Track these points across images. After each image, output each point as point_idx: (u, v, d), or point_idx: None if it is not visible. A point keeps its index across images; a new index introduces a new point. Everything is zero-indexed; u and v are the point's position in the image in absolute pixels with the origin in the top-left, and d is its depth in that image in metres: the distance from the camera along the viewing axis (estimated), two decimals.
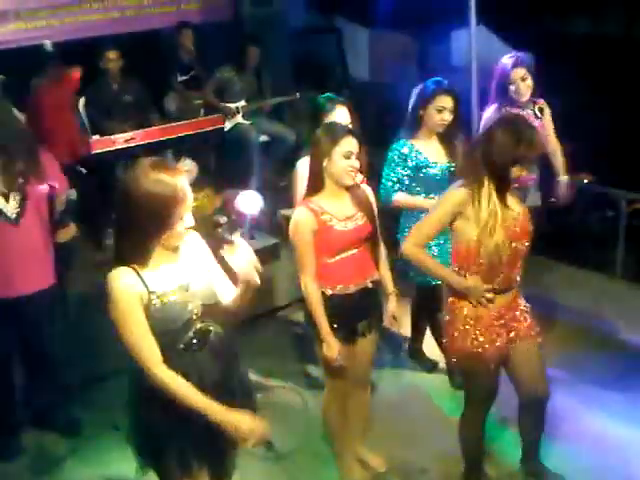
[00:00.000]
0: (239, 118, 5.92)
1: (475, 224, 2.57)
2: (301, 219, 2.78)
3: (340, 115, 3.19)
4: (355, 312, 2.86)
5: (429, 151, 3.41)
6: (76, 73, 5.11)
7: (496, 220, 2.55)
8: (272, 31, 6.68)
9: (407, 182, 3.42)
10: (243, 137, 5.85)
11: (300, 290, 3.43)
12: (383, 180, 3.44)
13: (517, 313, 2.76)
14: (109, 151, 4.93)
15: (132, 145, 5.01)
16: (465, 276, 2.65)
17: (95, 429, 3.49)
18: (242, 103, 5.90)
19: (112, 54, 5.33)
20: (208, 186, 5.27)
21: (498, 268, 2.61)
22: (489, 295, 2.63)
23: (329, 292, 2.82)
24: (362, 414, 3.16)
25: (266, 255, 4.52)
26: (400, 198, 3.44)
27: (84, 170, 5.19)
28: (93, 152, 4.94)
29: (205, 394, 2.18)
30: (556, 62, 3.97)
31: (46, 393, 3.44)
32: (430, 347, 3.95)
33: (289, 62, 7.08)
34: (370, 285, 2.88)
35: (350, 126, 3.06)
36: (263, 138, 5.99)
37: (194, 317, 2.20)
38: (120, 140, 5.01)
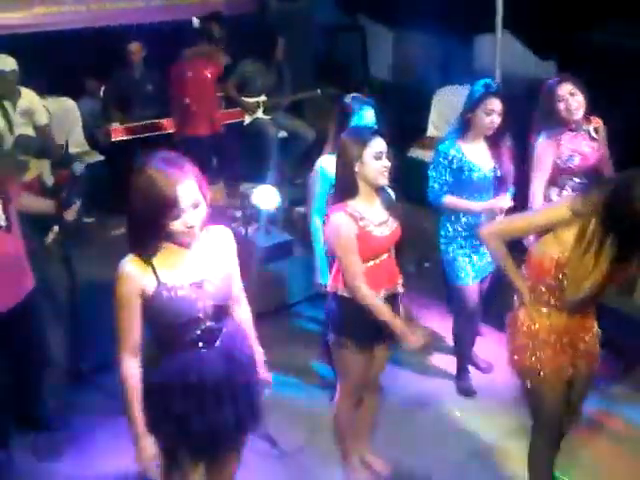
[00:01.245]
0: (259, 113, 5.91)
1: (564, 246, 2.38)
2: (343, 224, 2.70)
3: (367, 117, 3.18)
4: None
5: (475, 154, 3.39)
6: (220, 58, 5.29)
7: (600, 271, 2.35)
8: (296, 26, 6.67)
9: (451, 183, 3.40)
10: (262, 132, 5.85)
11: (312, 287, 3.45)
12: (430, 182, 3.44)
13: (586, 336, 2.59)
14: (129, 139, 4.95)
15: (152, 134, 5.03)
16: (537, 293, 2.50)
17: (105, 413, 3.47)
18: (263, 98, 5.89)
19: (134, 46, 5.35)
20: (226, 179, 5.29)
21: (566, 297, 2.45)
22: (544, 310, 2.50)
23: None
24: (371, 418, 3.15)
25: (280, 251, 4.53)
26: (450, 200, 3.42)
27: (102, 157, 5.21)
28: (113, 139, 4.96)
29: (203, 393, 2.20)
30: (587, 73, 3.83)
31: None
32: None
33: (312, 58, 7.06)
34: (400, 290, 2.85)
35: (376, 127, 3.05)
36: (281, 134, 5.99)
37: (201, 315, 2.18)
38: (140, 129, 5.03)
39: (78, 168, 3.62)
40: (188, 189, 2.07)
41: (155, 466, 2.22)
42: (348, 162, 2.72)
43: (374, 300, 2.73)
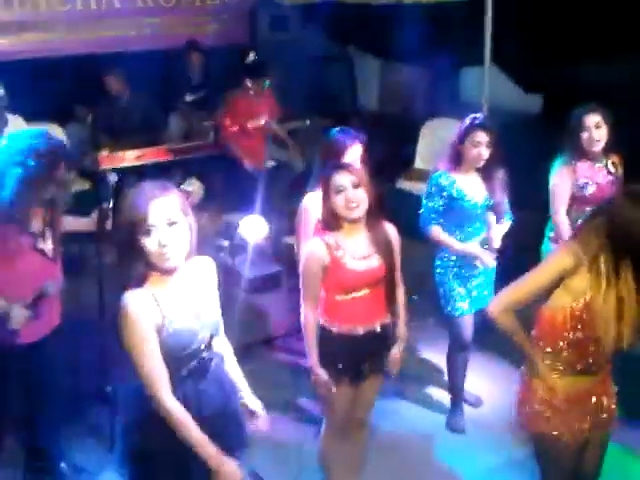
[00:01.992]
0: None
1: (577, 294, 2.28)
2: (314, 251, 2.74)
3: (354, 152, 3.18)
4: (361, 354, 2.80)
5: (467, 185, 3.41)
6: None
7: (613, 297, 2.27)
8: (287, 57, 6.72)
9: (442, 213, 3.41)
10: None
11: (299, 320, 3.42)
12: (422, 210, 3.46)
13: (603, 398, 2.48)
14: (118, 168, 4.93)
15: (139, 164, 5.01)
16: (545, 347, 2.40)
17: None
18: None
19: (110, 79, 5.35)
20: (213, 208, 5.27)
21: (590, 348, 2.34)
22: (561, 375, 2.39)
23: (336, 330, 2.77)
24: (359, 452, 3.11)
25: (268, 283, 4.50)
26: (435, 232, 3.43)
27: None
28: (101, 167, 4.94)
29: (202, 422, 2.14)
30: (573, 107, 3.86)
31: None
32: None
33: (300, 88, 7.11)
34: (379, 329, 2.81)
35: (355, 162, 3.07)
36: (270, 163, 5.99)
37: (202, 347, 2.17)
38: (130, 157, 5.01)
39: (112, 178, 3.57)
40: (163, 205, 2.05)
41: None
42: (324, 197, 2.75)
43: (308, 331, 2.76)
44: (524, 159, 4.27)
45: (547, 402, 2.41)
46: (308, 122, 6.10)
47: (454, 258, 3.47)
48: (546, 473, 2.55)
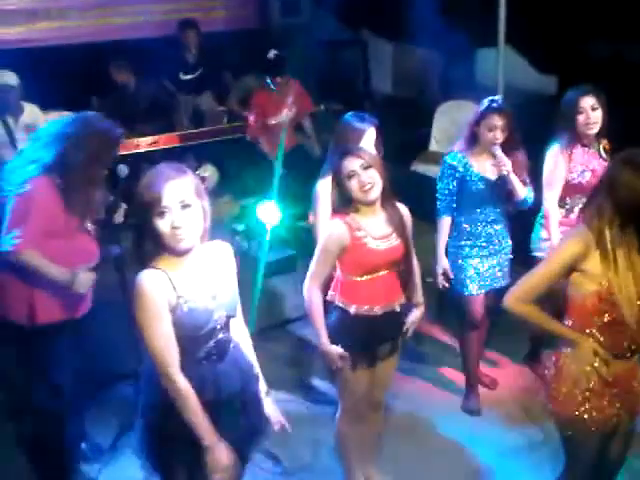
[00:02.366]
0: None
1: (596, 277, 2.27)
2: (335, 232, 2.73)
3: (368, 137, 3.16)
4: (378, 335, 2.80)
5: (481, 166, 3.41)
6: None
7: (628, 269, 2.25)
8: (299, 41, 6.69)
9: (456, 193, 3.43)
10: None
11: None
12: (438, 195, 3.48)
13: (635, 384, 2.45)
14: (132, 154, 4.94)
15: (153, 149, 5.03)
16: (585, 334, 2.36)
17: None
18: None
19: (114, 69, 5.35)
20: (228, 193, 5.29)
21: (623, 329, 2.31)
22: (607, 358, 2.34)
23: (353, 311, 2.77)
24: (375, 435, 3.12)
25: (283, 266, 4.51)
26: (443, 224, 3.47)
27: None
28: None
29: (220, 404, 2.17)
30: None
31: None
32: None
33: (314, 73, 7.08)
34: (397, 309, 2.82)
35: (369, 147, 3.06)
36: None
37: (218, 327, 2.19)
38: (143, 144, 5.03)
39: (123, 170, 3.56)
40: (177, 187, 2.06)
41: (230, 475, 2.18)
42: (338, 184, 2.75)
43: (314, 307, 2.75)
44: (539, 140, 4.24)
45: (581, 385, 2.38)
46: (322, 107, 6.07)
47: (466, 238, 3.48)
48: (572, 457, 2.52)
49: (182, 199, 2.06)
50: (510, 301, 2.40)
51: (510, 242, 3.57)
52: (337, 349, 2.75)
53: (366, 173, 2.68)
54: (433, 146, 6.06)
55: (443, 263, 3.50)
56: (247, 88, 5.87)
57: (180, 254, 2.12)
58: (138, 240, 2.12)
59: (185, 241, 2.09)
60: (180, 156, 5.34)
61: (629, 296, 2.27)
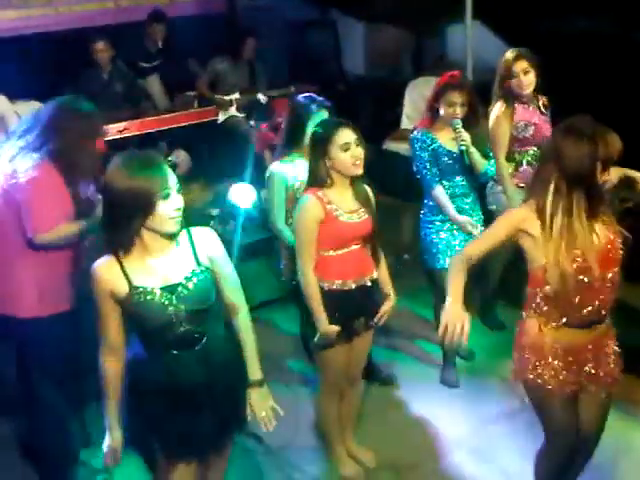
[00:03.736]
0: (233, 110, 5.89)
1: (543, 249, 2.31)
2: (308, 207, 2.74)
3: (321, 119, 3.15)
4: (352, 309, 2.83)
5: (444, 140, 3.45)
6: None
7: (565, 245, 2.27)
8: (267, 23, 6.66)
9: (434, 163, 3.46)
10: (236, 129, 5.83)
11: (288, 286, 3.45)
12: (420, 170, 3.47)
13: (599, 354, 2.46)
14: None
15: (125, 136, 4.98)
16: (537, 304, 2.40)
17: None
18: (236, 95, 5.88)
19: (101, 45, 5.31)
20: (201, 178, 5.27)
21: (567, 300, 2.34)
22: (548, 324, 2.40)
23: (326, 287, 2.79)
24: (353, 410, 3.16)
25: (257, 249, 4.52)
26: (438, 192, 3.47)
27: None
28: None
29: (177, 395, 2.20)
30: (551, 61, 3.89)
31: None
32: None
33: (284, 55, 7.05)
34: (369, 283, 2.86)
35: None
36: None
37: (174, 320, 2.15)
38: (114, 130, 4.98)
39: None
40: (169, 171, 2.10)
41: (118, 457, 2.28)
42: (317, 157, 2.75)
43: (312, 290, 2.77)
44: None
45: (536, 349, 2.44)
46: (293, 89, 6.05)
47: (436, 212, 3.51)
48: (543, 424, 2.57)
49: (176, 182, 2.10)
50: (453, 260, 2.50)
51: (480, 214, 3.62)
52: (335, 327, 2.78)
53: (357, 149, 2.72)
54: (405, 123, 6.06)
55: (464, 218, 3.47)
56: (216, 71, 5.84)
57: (167, 238, 2.13)
58: (126, 230, 2.07)
59: (178, 225, 2.11)
60: (152, 142, 5.32)
61: (563, 274, 2.29)
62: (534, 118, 3.73)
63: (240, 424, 2.39)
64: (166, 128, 5.26)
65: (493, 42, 6.39)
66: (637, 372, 3.48)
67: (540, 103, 3.76)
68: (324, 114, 3.20)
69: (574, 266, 2.30)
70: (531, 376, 2.45)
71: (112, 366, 2.21)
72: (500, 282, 4.15)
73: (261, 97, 5.92)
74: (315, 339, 2.83)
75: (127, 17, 6.16)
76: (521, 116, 3.71)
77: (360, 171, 2.75)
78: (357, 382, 3.10)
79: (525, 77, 3.66)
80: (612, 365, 2.50)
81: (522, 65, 3.65)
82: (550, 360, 2.42)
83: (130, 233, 2.08)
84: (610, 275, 2.36)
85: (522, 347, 2.48)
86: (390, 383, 3.70)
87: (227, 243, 4.36)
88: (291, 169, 3.20)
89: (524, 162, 3.74)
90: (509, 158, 3.71)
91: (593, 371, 2.46)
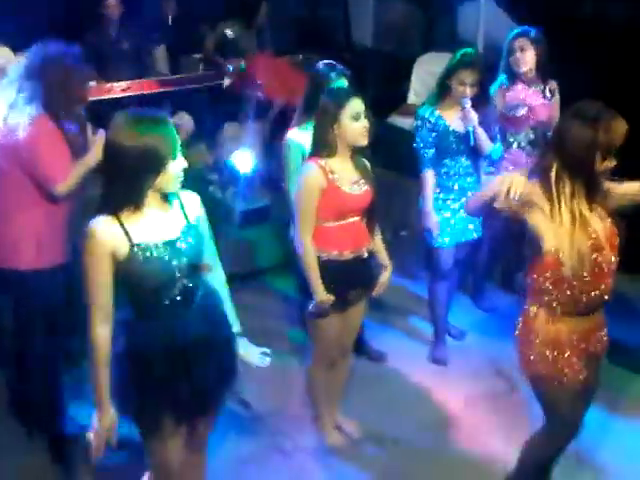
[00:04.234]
0: None
1: (554, 231, 2.27)
2: (311, 175, 2.74)
3: (341, 86, 3.15)
4: (348, 280, 2.84)
5: (451, 119, 3.42)
6: None
7: (578, 225, 2.25)
8: None
9: (433, 146, 3.44)
10: (241, 94, 5.76)
11: (286, 253, 3.45)
12: (418, 149, 3.46)
13: (599, 333, 2.49)
14: (104, 99, 4.85)
15: (129, 95, 4.94)
16: (546, 292, 2.35)
17: None
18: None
19: (112, 0, 5.23)
20: (203, 142, 5.22)
21: (580, 282, 2.31)
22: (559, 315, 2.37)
23: (324, 257, 2.80)
24: (342, 381, 3.19)
25: (258, 216, 4.52)
26: (424, 178, 3.46)
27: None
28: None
29: (188, 354, 2.20)
30: (563, 45, 3.85)
31: None
32: None
33: (292, 23, 6.97)
34: (365, 254, 2.87)
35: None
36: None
37: (178, 274, 2.16)
38: (117, 89, 4.93)
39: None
40: (173, 136, 2.10)
41: (110, 437, 2.18)
42: (326, 124, 2.73)
43: (310, 259, 2.77)
44: None
45: (554, 345, 2.39)
46: (300, 57, 5.99)
47: (438, 190, 3.50)
48: (550, 415, 2.53)
49: (180, 141, 2.12)
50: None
51: None
52: (331, 297, 2.80)
53: (365, 120, 2.73)
54: (412, 99, 6.01)
55: (433, 218, 3.49)
56: (224, 35, 5.77)
57: (164, 197, 2.15)
58: (136, 189, 2.07)
59: (180, 183, 2.15)
60: (156, 103, 5.26)
61: (580, 252, 2.27)
62: (531, 100, 3.69)
63: (237, 376, 2.41)
64: (170, 90, 5.20)
65: (504, 21, 6.32)
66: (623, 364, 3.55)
67: (546, 87, 3.72)
68: (343, 82, 3.18)
69: (589, 243, 2.28)
70: (549, 372, 2.40)
71: (105, 333, 2.14)
72: (489, 266, 4.17)
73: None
74: (310, 308, 2.84)
75: None
76: (516, 95, 3.69)
77: (366, 142, 2.75)
78: (348, 353, 3.12)
79: (522, 54, 3.65)
80: (605, 338, 2.52)
81: (520, 42, 3.66)
82: (569, 354, 2.39)
83: (141, 192, 2.08)
84: (613, 259, 2.35)
85: (534, 343, 2.41)
86: (379, 360, 3.73)
87: (226, 209, 4.40)
88: (308, 137, 3.17)
89: (515, 144, 3.74)
90: (502, 138, 3.69)
91: (593, 349, 2.47)
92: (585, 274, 2.30)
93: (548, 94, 3.72)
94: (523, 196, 2.26)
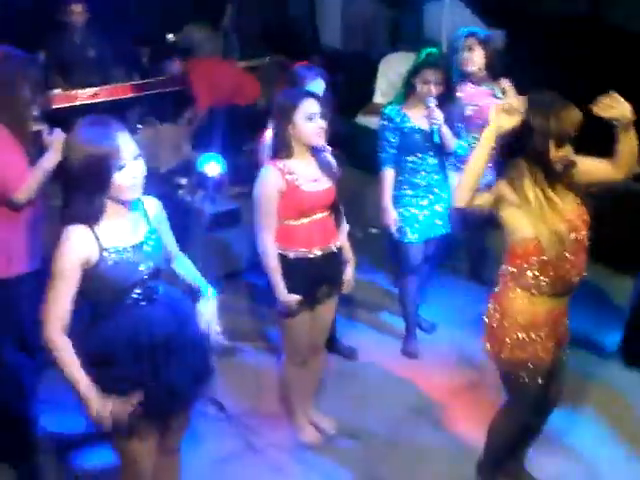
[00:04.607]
0: None
1: (528, 219, 2.34)
2: (268, 178, 2.78)
3: (316, 87, 3.21)
4: (317, 276, 2.88)
5: (417, 118, 3.47)
6: None
7: (548, 209, 2.31)
8: None
9: (397, 145, 3.50)
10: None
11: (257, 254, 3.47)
12: (379, 146, 3.52)
13: (564, 323, 2.55)
14: (70, 107, 4.83)
15: (95, 101, 4.92)
16: (530, 277, 2.40)
17: None
18: None
19: (76, 7, 5.21)
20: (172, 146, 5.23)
21: (560, 264, 2.36)
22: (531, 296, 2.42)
23: (292, 255, 2.83)
24: (316, 378, 3.22)
25: (228, 219, 4.53)
26: (384, 175, 3.52)
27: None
28: (54, 107, 4.82)
29: (156, 347, 2.21)
30: (526, 40, 3.92)
31: None
32: None
33: (259, 25, 6.99)
34: (334, 250, 2.90)
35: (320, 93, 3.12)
36: None
37: (145, 277, 2.20)
38: (83, 96, 4.92)
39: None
40: (128, 138, 2.12)
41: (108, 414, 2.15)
42: (281, 124, 2.77)
43: (271, 260, 2.81)
44: None
45: (531, 327, 2.44)
46: (268, 59, 6.02)
47: (406, 187, 3.55)
48: (515, 397, 2.59)
49: (134, 149, 2.13)
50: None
51: (449, 191, 3.66)
52: (294, 296, 2.82)
53: (320, 120, 2.77)
54: (378, 98, 6.06)
55: (392, 215, 3.54)
56: (189, 38, 5.78)
57: (124, 205, 2.17)
58: (89, 197, 2.10)
59: (137, 191, 2.17)
60: (124, 109, 5.26)
61: (558, 234, 2.33)
62: (479, 99, 3.74)
63: (210, 373, 2.41)
64: (138, 95, 5.19)
65: (471, 21, 6.40)
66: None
67: (498, 86, 3.69)
68: (320, 84, 3.22)
69: (565, 224, 2.35)
70: (524, 354, 2.45)
71: (64, 338, 2.13)
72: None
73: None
74: (278, 307, 2.86)
75: None
76: (466, 96, 3.76)
77: (320, 142, 2.80)
78: (320, 350, 3.15)
79: (469, 54, 3.72)
80: (566, 324, 2.58)
81: (468, 41, 3.72)
82: (544, 335, 2.45)
83: (94, 203, 2.11)
84: (586, 235, 2.41)
85: (509, 327, 2.45)
86: (351, 357, 3.76)
87: (196, 212, 4.41)
88: None
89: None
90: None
91: (561, 333, 2.54)
92: (567, 254, 2.36)
93: (499, 94, 3.71)
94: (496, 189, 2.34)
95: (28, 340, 2.95)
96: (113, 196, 2.13)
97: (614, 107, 2.29)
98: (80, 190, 2.09)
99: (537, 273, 2.40)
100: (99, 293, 2.18)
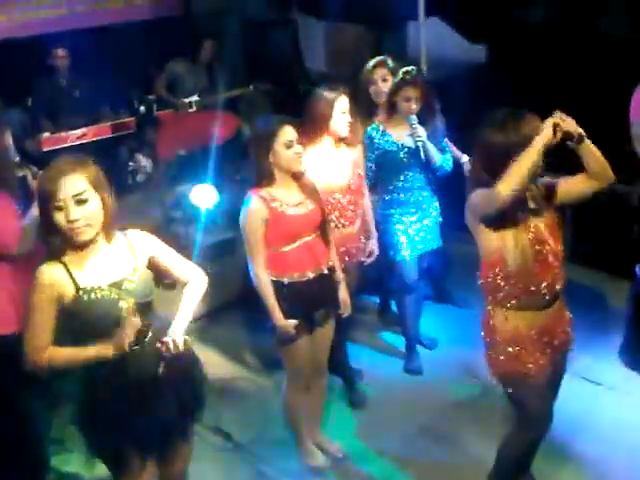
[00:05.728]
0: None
1: (495, 231, 2.39)
2: (252, 207, 2.80)
3: (341, 104, 3.20)
4: (313, 299, 2.89)
5: (400, 135, 3.51)
6: None
7: (513, 220, 2.36)
8: (225, 23, 6.66)
9: (380, 164, 3.53)
10: None
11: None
12: (364, 165, 3.51)
13: (561, 327, 2.56)
14: (61, 148, 4.88)
15: (84, 142, 4.97)
16: (499, 289, 2.44)
17: None
18: (195, 98, 5.89)
19: (60, 52, 5.28)
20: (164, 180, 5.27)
21: (527, 275, 2.40)
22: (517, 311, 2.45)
23: (286, 281, 2.84)
24: (320, 401, 3.21)
25: (223, 249, 4.54)
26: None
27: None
28: (44, 149, 4.89)
29: (142, 389, 2.22)
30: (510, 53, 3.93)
31: None
32: None
33: (242, 55, 7.07)
34: (326, 271, 2.92)
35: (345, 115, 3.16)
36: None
37: (125, 314, 2.18)
38: (72, 137, 4.97)
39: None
40: (72, 182, 2.09)
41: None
42: (261, 154, 2.80)
43: (264, 288, 2.82)
44: (468, 109, 4.35)
45: (515, 341, 2.45)
46: (252, 88, 6.09)
47: (395, 206, 3.58)
48: (521, 411, 2.58)
49: (76, 194, 2.10)
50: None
51: (437, 206, 3.69)
52: (291, 321, 2.83)
53: (298, 146, 2.80)
54: None
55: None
56: (174, 74, 5.85)
57: (81, 247, 2.17)
58: (44, 235, 2.16)
59: (83, 234, 2.13)
60: (113, 147, 5.31)
61: (520, 246, 2.37)
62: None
63: (201, 406, 2.41)
64: (126, 133, 5.25)
65: (452, 37, 6.48)
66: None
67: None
68: (344, 100, 3.20)
69: (529, 236, 2.38)
70: (514, 368, 2.47)
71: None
72: None
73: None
74: (276, 333, 2.88)
75: (81, 24, 6.09)
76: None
77: (301, 167, 2.83)
78: (322, 373, 3.15)
79: (383, 84, 3.63)
80: (570, 332, 2.60)
81: (381, 72, 3.64)
82: (531, 349, 2.46)
83: (53, 246, 2.14)
84: (559, 249, 2.45)
85: (497, 343, 2.48)
86: (356, 378, 3.72)
87: (190, 245, 4.42)
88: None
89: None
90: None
91: (557, 342, 2.54)
92: (530, 267, 2.40)
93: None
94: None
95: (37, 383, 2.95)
96: (65, 238, 2.13)
97: (562, 127, 2.30)
98: (40, 229, 2.19)
99: (502, 284, 2.43)
100: (81, 331, 2.18)
